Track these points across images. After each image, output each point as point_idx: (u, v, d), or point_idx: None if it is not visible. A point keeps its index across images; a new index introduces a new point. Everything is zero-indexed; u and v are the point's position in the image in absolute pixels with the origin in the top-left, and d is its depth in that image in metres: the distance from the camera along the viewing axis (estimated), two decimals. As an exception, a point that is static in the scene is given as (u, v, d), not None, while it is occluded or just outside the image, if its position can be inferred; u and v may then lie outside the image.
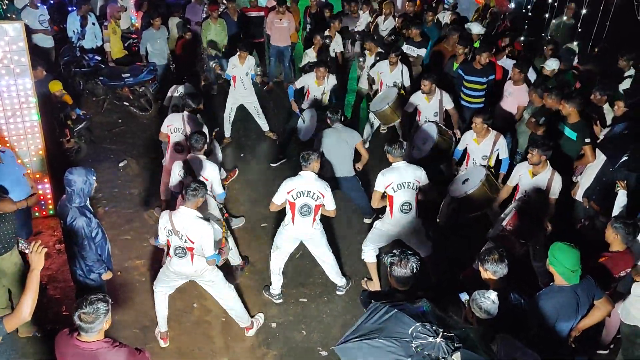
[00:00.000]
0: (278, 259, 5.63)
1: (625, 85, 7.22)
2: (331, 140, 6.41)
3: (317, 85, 7.70)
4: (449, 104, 7.26)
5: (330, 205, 5.34)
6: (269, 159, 8.36)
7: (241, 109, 8.63)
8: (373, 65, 8.38)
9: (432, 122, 7.19)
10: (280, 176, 7.87)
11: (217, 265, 4.98)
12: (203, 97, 7.10)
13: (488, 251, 3.97)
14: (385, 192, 5.36)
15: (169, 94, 7.57)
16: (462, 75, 7.66)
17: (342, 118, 6.61)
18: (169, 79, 9.61)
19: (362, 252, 5.81)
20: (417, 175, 5.35)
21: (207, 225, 4.67)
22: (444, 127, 7.21)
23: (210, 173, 5.60)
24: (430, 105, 7.23)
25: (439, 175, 6.97)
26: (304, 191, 5.24)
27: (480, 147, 6.33)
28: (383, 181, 5.31)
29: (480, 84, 7.51)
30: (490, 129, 6.30)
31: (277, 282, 5.74)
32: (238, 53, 8.06)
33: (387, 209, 5.47)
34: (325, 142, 6.41)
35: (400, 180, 5.30)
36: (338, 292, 5.93)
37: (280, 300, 5.79)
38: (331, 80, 7.77)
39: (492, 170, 6.35)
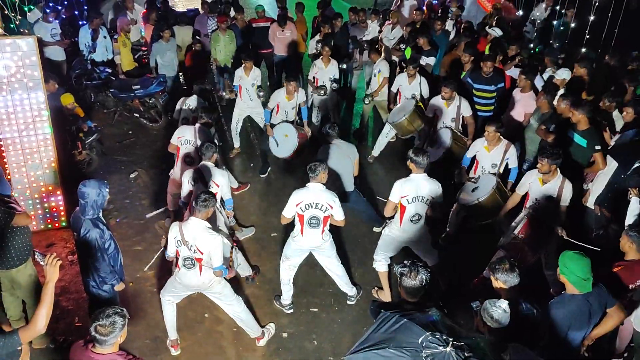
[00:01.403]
0: (287, 269, 5.64)
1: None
2: (337, 157, 6.41)
3: (288, 101, 7.66)
4: (467, 111, 7.29)
5: (339, 215, 5.34)
6: (278, 167, 8.39)
7: (249, 120, 8.68)
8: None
9: (448, 127, 7.23)
10: (290, 185, 7.97)
11: (225, 278, 5.00)
12: (214, 108, 7.18)
13: (499, 261, 3.96)
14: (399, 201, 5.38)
15: (177, 106, 7.61)
16: (470, 83, 7.68)
17: (338, 132, 6.57)
18: (179, 90, 9.70)
19: (373, 261, 5.82)
20: (432, 190, 5.33)
21: (217, 236, 4.70)
22: (459, 134, 7.24)
23: (220, 179, 5.70)
24: (448, 111, 7.27)
25: (450, 182, 6.97)
26: (312, 203, 5.24)
27: (490, 155, 6.33)
28: (399, 192, 5.31)
29: (488, 92, 7.51)
30: (501, 137, 6.30)
31: (287, 293, 5.75)
32: (243, 64, 8.10)
33: (397, 216, 5.48)
34: (332, 159, 6.38)
35: (415, 194, 5.31)
36: (349, 302, 5.93)
37: (291, 310, 5.80)
38: (301, 95, 7.76)
39: (500, 178, 6.34)
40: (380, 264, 5.76)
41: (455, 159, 7.19)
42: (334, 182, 6.34)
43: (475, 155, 6.51)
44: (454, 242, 6.61)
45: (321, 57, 8.62)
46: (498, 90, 7.54)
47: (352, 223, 7.03)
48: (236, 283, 5.30)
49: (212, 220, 5.00)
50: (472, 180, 6.45)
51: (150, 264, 6.30)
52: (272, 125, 7.73)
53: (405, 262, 3.71)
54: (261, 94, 8.13)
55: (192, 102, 7.57)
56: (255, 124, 8.71)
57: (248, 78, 8.11)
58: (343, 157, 6.44)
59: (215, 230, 4.80)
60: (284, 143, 7.67)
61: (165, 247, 5.04)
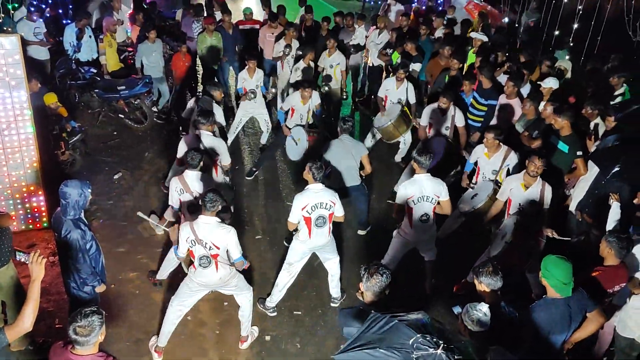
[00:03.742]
0: (287, 276, 5.64)
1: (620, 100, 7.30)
2: (338, 152, 6.46)
3: (303, 105, 7.72)
4: (460, 122, 7.34)
5: (339, 211, 5.44)
6: (264, 171, 8.38)
7: (249, 121, 8.66)
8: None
9: (443, 136, 7.27)
10: (276, 188, 8.00)
11: (238, 271, 5.03)
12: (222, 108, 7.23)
13: (483, 264, 4.00)
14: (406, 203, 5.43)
15: (189, 105, 7.43)
16: (476, 90, 7.73)
17: (349, 128, 6.59)
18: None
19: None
20: (437, 190, 5.40)
21: (230, 228, 4.74)
22: (452, 143, 7.30)
23: (207, 188, 5.62)
24: (443, 120, 7.31)
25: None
26: (317, 204, 5.28)
27: (490, 161, 6.37)
28: (405, 194, 5.38)
29: (479, 103, 7.52)
30: (501, 144, 6.33)
31: (277, 297, 5.75)
32: (247, 66, 8.11)
33: (406, 219, 5.54)
34: (332, 154, 6.44)
35: (420, 194, 5.37)
36: (332, 304, 5.94)
37: (275, 314, 5.79)
38: (315, 98, 7.80)
39: (500, 185, 6.36)
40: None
41: (450, 167, 7.26)
42: (335, 177, 6.41)
43: (477, 162, 6.56)
44: (441, 248, 6.63)
45: (302, 59, 8.66)
46: (487, 106, 7.50)
47: (338, 227, 7.06)
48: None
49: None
50: (471, 186, 6.50)
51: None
52: (288, 128, 7.79)
53: (370, 263, 3.78)
54: (273, 90, 8.06)
55: (204, 103, 7.29)
56: (249, 127, 8.71)
57: (252, 79, 8.12)
58: (344, 154, 6.45)
59: (226, 224, 4.84)
60: (297, 146, 7.81)
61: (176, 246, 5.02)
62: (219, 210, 4.79)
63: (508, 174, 6.37)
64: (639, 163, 5.51)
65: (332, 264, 5.78)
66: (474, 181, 6.58)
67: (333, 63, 8.93)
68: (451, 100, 7.24)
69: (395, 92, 8.12)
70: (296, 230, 5.47)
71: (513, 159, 6.33)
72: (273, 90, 9.14)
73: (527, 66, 7.92)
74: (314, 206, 5.28)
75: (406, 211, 5.50)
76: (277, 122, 8.86)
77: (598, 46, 8.62)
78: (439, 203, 5.49)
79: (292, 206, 5.30)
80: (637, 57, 8.80)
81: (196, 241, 4.70)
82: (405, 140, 8.15)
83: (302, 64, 8.65)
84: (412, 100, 8.15)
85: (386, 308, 3.52)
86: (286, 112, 7.84)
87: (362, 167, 6.61)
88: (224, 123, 7.45)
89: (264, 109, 8.32)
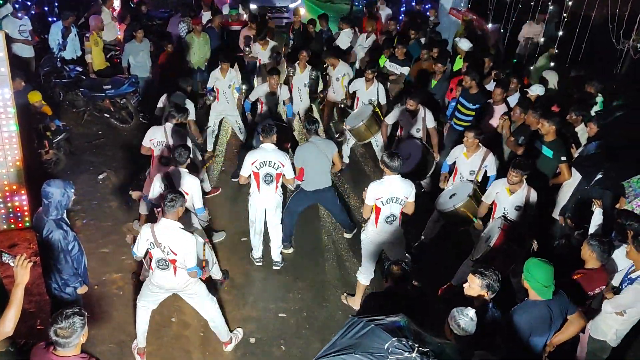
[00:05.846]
0: (254, 233, 6.26)
1: (596, 109, 7.40)
2: (310, 153, 6.28)
3: (271, 96, 7.67)
4: (430, 123, 7.34)
5: (289, 174, 5.93)
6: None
7: (224, 123, 8.62)
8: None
9: (418, 139, 7.27)
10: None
11: (200, 279, 4.95)
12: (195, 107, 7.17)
13: (496, 275, 3.91)
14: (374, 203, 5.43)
15: (159, 104, 7.41)
16: (460, 95, 7.78)
17: (317, 129, 6.46)
18: (152, 92, 9.57)
19: (358, 272, 5.84)
20: (406, 192, 5.39)
21: (190, 236, 4.64)
22: (427, 145, 7.32)
23: (191, 187, 5.57)
24: (413, 122, 7.32)
25: (421, 191, 7.04)
26: (265, 161, 5.82)
27: (468, 161, 6.38)
28: (374, 194, 5.36)
29: (467, 108, 7.56)
30: (480, 144, 6.36)
31: (258, 252, 6.40)
32: (220, 65, 8.00)
33: (372, 218, 5.52)
34: (304, 157, 6.29)
35: (389, 196, 5.36)
36: (274, 267, 6.43)
37: (261, 263, 6.38)
38: (284, 91, 7.78)
39: (479, 185, 6.41)
40: (364, 276, 5.76)
41: (423, 171, 7.27)
42: (310, 180, 6.35)
43: (454, 162, 6.57)
44: (426, 252, 6.66)
45: (297, 62, 8.59)
46: (476, 110, 7.52)
47: (326, 229, 7.12)
48: (209, 286, 5.27)
49: (185, 220, 4.92)
50: (447, 185, 6.50)
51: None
52: (256, 124, 7.63)
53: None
54: (243, 86, 8.05)
55: (176, 99, 7.28)
56: (229, 127, 8.67)
57: (224, 79, 7.99)
58: (318, 155, 6.31)
59: (188, 230, 4.74)
60: None
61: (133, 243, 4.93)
62: (183, 209, 4.71)
63: (485, 175, 6.42)
64: (622, 170, 5.60)
65: (274, 221, 6.21)
66: (451, 181, 6.58)
67: (339, 75, 8.78)
68: (419, 102, 7.22)
69: (365, 92, 8.08)
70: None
71: (491, 160, 6.36)
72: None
73: (516, 74, 7.99)
74: (262, 163, 5.81)
75: (374, 211, 5.48)
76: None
77: (582, 53, 8.73)
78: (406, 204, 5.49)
79: (244, 161, 5.86)
80: (620, 64, 8.93)
81: (155, 244, 4.61)
82: (377, 141, 8.02)
83: (297, 66, 8.59)
84: (383, 100, 8.13)
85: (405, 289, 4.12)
86: (252, 104, 7.88)
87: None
88: (194, 118, 7.36)
89: (235, 111, 8.19)
